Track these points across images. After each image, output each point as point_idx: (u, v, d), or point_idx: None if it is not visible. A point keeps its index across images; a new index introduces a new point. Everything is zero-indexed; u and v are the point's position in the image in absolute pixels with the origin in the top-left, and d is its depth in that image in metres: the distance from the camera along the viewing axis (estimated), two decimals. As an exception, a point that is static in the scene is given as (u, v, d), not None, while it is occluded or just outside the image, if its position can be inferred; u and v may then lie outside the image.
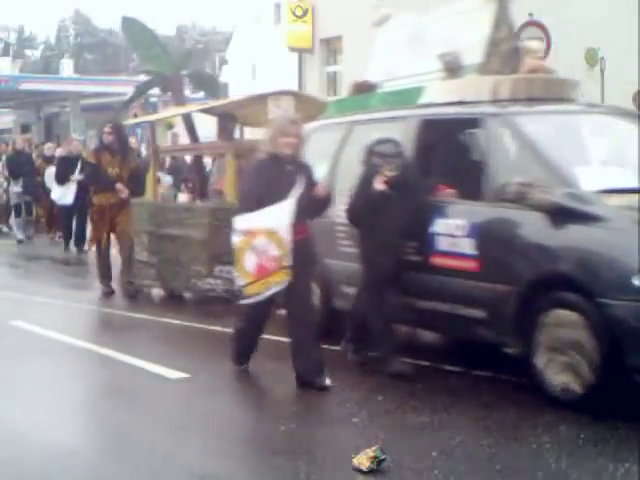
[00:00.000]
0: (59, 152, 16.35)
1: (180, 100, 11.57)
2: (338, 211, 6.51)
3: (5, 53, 51.55)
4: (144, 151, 21.24)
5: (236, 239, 5.64)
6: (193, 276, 9.21)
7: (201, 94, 49.67)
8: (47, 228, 17.00)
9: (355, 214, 6.27)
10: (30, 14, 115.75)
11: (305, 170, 5.87)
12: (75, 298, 9.81)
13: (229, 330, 7.80)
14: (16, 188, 16.26)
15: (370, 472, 4.16)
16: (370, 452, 4.23)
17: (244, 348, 6.20)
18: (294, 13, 21.57)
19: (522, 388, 5.53)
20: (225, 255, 8.12)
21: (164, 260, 9.66)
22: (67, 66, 48.59)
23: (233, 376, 6.24)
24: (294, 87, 23.19)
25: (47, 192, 15.67)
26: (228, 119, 9.73)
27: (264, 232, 5.55)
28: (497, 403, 5.30)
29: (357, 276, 6.46)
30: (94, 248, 10.29)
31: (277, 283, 5.65)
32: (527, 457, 4.37)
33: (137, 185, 10.12)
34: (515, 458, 4.36)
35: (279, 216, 5.59)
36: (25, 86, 33.80)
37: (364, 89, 7.75)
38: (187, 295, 9.79)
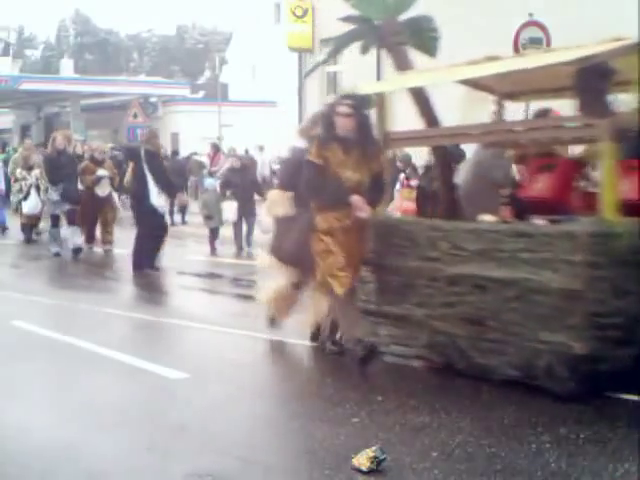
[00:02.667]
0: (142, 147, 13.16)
1: (401, 60, 7.71)
2: None
3: (5, 53, 51.54)
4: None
5: None
6: (548, 350, 5.41)
7: (200, 94, 49.32)
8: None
9: None
10: (30, 14, 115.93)
11: None
12: (75, 298, 9.80)
13: (229, 330, 7.82)
14: (55, 196, 13.54)
15: (370, 472, 4.16)
16: (370, 452, 4.23)
17: None
18: (294, 13, 21.61)
19: (522, 388, 5.52)
20: (609, 315, 5.24)
21: (451, 318, 5.98)
22: (67, 66, 48.63)
23: (233, 376, 6.24)
24: (294, 87, 23.31)
25: (97, 199, 13.85)
26: (599, 76, 5.57)
27: None
28: (497, 403, 5.30)
29: None
30: (323, 295, 6.64)
31: None
32: (527, 457, 4.37)
33: (379, 197, 6.68)
34: (515, 458, 4.36)
35: None
36: (25, 86, 33.94)
37: None
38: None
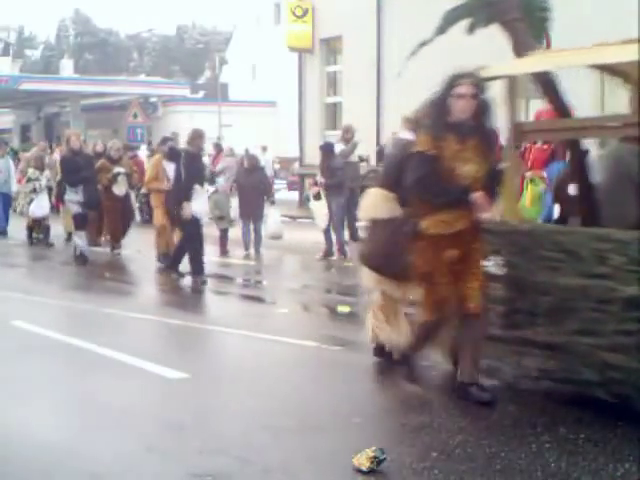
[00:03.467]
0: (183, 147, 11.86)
1: (523, 40, 6.59)
2: None
3: (5, 53, 51.61)
4: (144, 152, 21.29)
5: None
6: None
7: (200, 94, 49.39)
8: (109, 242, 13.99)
9: None
10: (30, 14, 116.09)
11: None
12: (75, 298, 9.80)
13: (230, 330, 7.82)
14: (76, 196, 12.65)
15: (370, 472, 4.16)
16: (370, 452, 4.23)
17: None
18: (294, 13, 21.61)
19: (522, 388, 5.52)
20: None
21: (630, 349, 4.84)
22: (67, 66, 48.67)
23: (232, 376, 6.24)
24: (294, 87, 23.31)
25: (115, 199, 13.39)
26: None
27: None
28: (497, 403, 5.29)
29: None
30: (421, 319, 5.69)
31: None
32: (527, 457, 4.37)
33: (496, 196, 5.58)
34: (515, 458, 4.36)
35: None
36: (25, 86, 33.96)
37: None
38: None
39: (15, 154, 24.22)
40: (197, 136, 10.96)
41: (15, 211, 16.76)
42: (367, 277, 6.28)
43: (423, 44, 7.48)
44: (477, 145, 5.28)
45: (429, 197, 5.31)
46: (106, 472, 4.31)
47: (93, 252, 13.57)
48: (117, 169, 13.41)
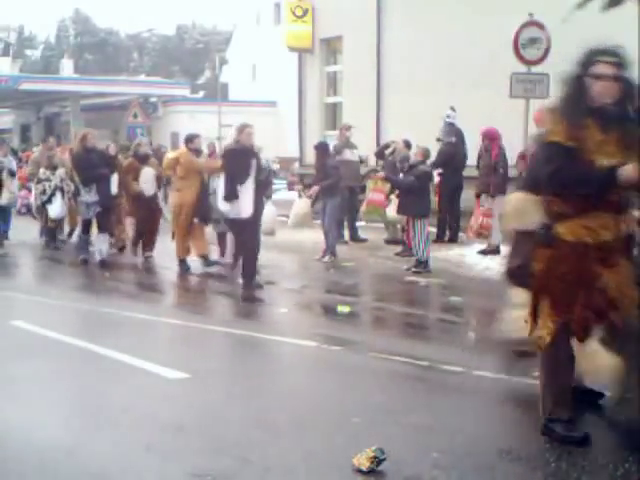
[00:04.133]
0: (228, 144, 11.26)
1: None
2: None
3: (5, 53, 51.57)
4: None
5: None
6: None
7: (200, 94, 49.42)
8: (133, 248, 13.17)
9: None
10: (30, 14, 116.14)
11: None
12: (75, 298, 9.80)
13: (230, 330, 7.82)
14: (89, 197, 12.06)
15: (370, 472, 4.16)
16: (370, 452, 4.23)
17: None
18: (294, 13, 21.58)
19: (522, 388, 5.53)
20: None
21: None
22: (67, 66, 48.68)
23: (232, 376, 6.25)
24: (294, 87, 23.33)
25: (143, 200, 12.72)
26: None
27: None
28: (497, 403, 5.30)
29: None
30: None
31: None
32: (527, 457, 4.37)
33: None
34: (515, 458, 4.36)
35: None
36: (25, 86, 33.97)
37: None
38: None
39: (15, 154, 24.19)
40: (238, 131, 10.16)
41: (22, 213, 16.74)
42: (517, 295, 5.16)
43: (564, 20, 7.26)
44: (621, 133, 4.40)
45: (568, 190, 4.40)
46: (106, 472, 4.32)
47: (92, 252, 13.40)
48: (147, 174, 12.72)
